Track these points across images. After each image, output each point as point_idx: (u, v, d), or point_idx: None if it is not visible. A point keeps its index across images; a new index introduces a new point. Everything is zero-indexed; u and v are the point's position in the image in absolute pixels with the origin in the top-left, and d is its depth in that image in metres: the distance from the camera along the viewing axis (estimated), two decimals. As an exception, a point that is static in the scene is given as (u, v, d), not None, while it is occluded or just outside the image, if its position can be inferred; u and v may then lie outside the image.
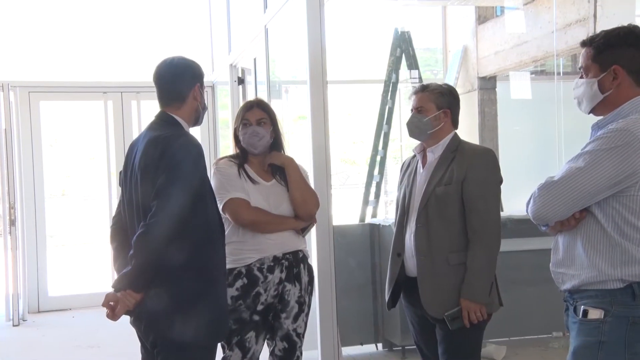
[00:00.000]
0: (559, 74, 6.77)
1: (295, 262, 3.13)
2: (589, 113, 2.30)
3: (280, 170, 3.19)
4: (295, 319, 3.13)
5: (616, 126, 2.13)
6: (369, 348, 5.25)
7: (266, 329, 3.13)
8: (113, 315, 2.47)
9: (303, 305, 3.15)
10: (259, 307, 3.07)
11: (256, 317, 3.07)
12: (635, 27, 2.22)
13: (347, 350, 5.02)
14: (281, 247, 3.10)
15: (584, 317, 2.16)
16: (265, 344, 3.20)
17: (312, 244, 3.90)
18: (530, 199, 2.24)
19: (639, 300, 2.11)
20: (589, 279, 2.16)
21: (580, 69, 2.30)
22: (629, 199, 2.11)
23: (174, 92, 2.63)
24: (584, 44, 2.28)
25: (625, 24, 2.27)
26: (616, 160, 2.08)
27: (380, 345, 5.27)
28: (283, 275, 3.09)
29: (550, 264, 2.33)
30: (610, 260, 2.13)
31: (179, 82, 2.64)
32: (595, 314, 2.14)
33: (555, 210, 2.17)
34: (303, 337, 3.18)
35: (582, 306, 2.17)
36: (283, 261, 3.09)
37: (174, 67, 2.66)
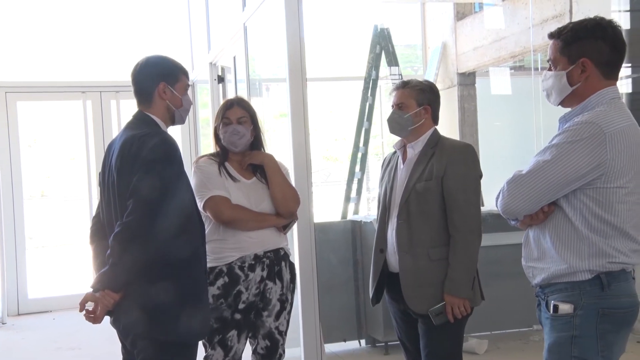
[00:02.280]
0: (536, 69, 6.82)
1: (277, 260, 3.13)
2: (558, 105, 2.31)
3: (261, 168, 3.19)
4: (277, 317, 3.13)
5: (582, 119, 2.15)
6: (352, 344, 5.27)
7: (248, 328, 3.13)
8: (95, 317, 2.45)
9: (285, 303, 3.15)
10: (241, 306, 3.06)
11: (238, 316, 3.06)
12: (602, 19, 2.23)
13: (330, 347, 5.04)
14: (262, 245, 3.09)
15: (555, 313, 2.19)
16: (248, 342, 3.19)
17: (293, 241, 3.90)
18: (499, 193, 2.26)
19: (607, 290, 2.14)
20: (558, 271, 2.19)
21: (548, 61, 2.30)
22: (595, 191, 2.13)
23: (142, 91, 2.66)
24: (552, 36, 2.28)
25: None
26: (582, 153, 2.10)
27: (363, 341, 5.29)
28: (264, 274, 3.09)
29: (522, 259, 2.36)
30: (578, 253, 2.16)
31: (144, 81, 2.66)
32: (565, 308, 2.17)
33: (523, 204, 2.19)
34: (285, 334, 3.18)
35: (553, 301, 2.20)
36: (264, 259, 3.09)
37: (142, 67, 2.69)
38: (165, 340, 2.47)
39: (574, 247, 2.17)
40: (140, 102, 2.68)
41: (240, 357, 3.14)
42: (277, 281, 3.12)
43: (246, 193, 3.11)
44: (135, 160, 2.44)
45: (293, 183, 3.46)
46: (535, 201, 2.18)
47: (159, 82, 2.64)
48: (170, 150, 2.50)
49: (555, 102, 2.30)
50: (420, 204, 2.93)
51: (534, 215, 2.22)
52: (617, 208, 2.13)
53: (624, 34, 2.25)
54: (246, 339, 3.15)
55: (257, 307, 3.11)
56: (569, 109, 2.28)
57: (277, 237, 3.16)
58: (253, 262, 3.07)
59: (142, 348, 2.51)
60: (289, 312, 3.20)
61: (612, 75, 2.24)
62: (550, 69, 2.29)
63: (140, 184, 2.39)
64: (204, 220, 2.79)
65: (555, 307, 2.19)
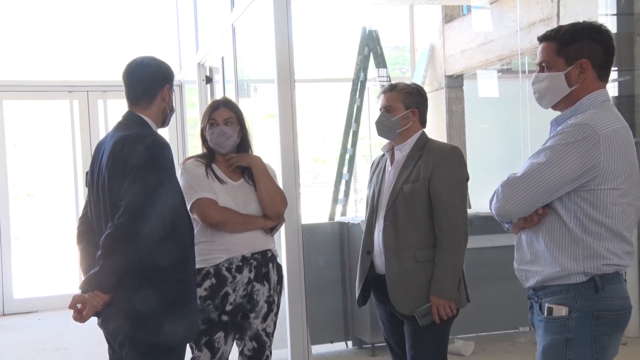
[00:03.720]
0: (524, 72, 6.85)
1: (264, 262, 3.12)
2: (550, 108, 2.32)
3: (249, 169, 3.18)
4: (265, 318, 3.12)
5: (575, 121, 2.16)
6: (339, 346, 5.27)
7: (235, 329, 3.12)
8: (81, 317, 2.44)
9: (272, 305, 3.15)
10: (228, 308, 3.05)
11: (225, 318, 3.06)
12: (595, 22, 2.26)
13: (317, 349, 5.04)
14: (250, 246, 3.08)
15: (549, 315, 2.19)
16: (235, 343, 3.19)
17: (281, 242, 3.90)
18: (493, 196, 2.26)
19: (602, 293, 2.15)
20: (552, 274, 2.19)
21: (540, 63, 2.30)
22: (589, 193, 2.14)
23: (143, 92, 2.63)
24: (545, 38, 2.29)
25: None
26: (576, 155, 2.11)
27: (350, 343, 5.29)
28: (252, 275, 3.08)
29: (514, 262, 2.36)
30: (573, 255, 2.17)
31: (148, 82, 2.63)
32: (560, 311, 2.17)
33: (518, 207, 2.20)
34: (272, 336, 3.18)
35: (547, 304, 2.20)
36: (252, 261, 3.09)
37: (144, 67, 2.66)
38: (155, 342, 2.46)
39: (568, 250, 2.17)
40: (137, 102, 2.63)
41: (227, 358, 3.14)
42: (265, 283, 3.12)
43: (233, 195, 3.11)
44: (127, 162, 2.42)
45: (281, 185, 3.45)
46: (530, 204, 2.18)
47: (165, 84, 2.64)
48: (163, 153, 2.48)
49: (549, 104, 2.30)
50: (407, 206, 2.94)
51: (528, 217, 2.23)
52: (611, 210, 2.15)
53: (610, 37, 2.28)
54: (233, 341, 3.15)
55: (245, 308, 3.11)
56: (558, 112, 2.29)
57: (265, 239, 3.15)
58: (240, 264, 3.06)
59: (129, 350, 2.50)
60: (276, 314, 3.19)
61: (605, 77, 2.27)
62: (541, 71, 2.29)
63: (132, 186, 2.38)
64: (192, 222, 2.78)
65: (550, 310, 2.19)
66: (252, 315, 3.10)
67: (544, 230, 2.23)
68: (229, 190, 3.11)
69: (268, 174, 3.18)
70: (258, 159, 3.20)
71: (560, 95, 2.25)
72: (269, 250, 3.16)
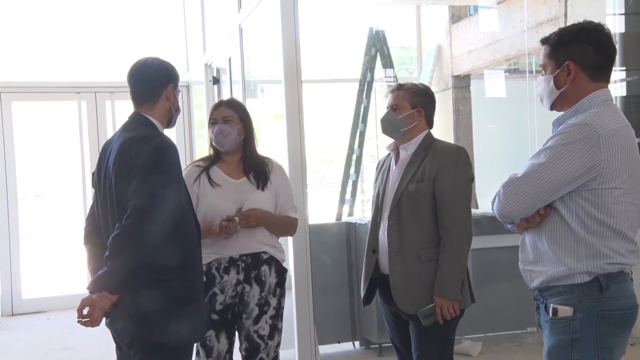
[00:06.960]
0: (531, 72, 6.84)
1: (254, 264, 3.10)
2: (550, 109, 2.34)
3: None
4: (256, 320, 3.10)
5: (575, 121, 2.17)
6: (346, 346, 5.27)
7: (226, 327, 3.12)
8: (92, 320, 2.44)
9: (264, 307, 3.11)
10: (218, 307, 3.07)
11: (215, 317, 3.07)
12: (589, 23, 2.27)
13: (324, 349, 5.04)
14: (237, 248, 3.08)
15: (554, 316, 2.19)
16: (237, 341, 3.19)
17: (288, 243, 3.90)
18: (495, 196, 2.27)
19: (606, 293, 2.15)
20: (556, 274, 2.20)
21: (540, 66, 2.35)
22: (590, 192, 2.15)
23: (147, 92, 2.63)
24: (543, 42, 2.33)
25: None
26: (576, 154, 2.11)
27: (357, 343, 5.29)
28: (240, 277, 3.08)
29: (519, 263, 2.37)
30: (576, 255, 2.17)
31: (151, 82, 2.64)
32: (565, 311, 2.17)
33: (520, 207, 2.20)
34: (269, 339, 3.12)
35: (552, 304, 2.20)
36: (239, 262, 3.08)
37: (147, 67, 2.66)
38: (160, 342, 2.47)
39: (571, 249, 2.18)
40: (141, 102, 2.64)
41: (225, 356, 3.13)
42: (255, 285, 3.10)
43: (225, 195, 3.09)
44: (134, 163, 2.43)
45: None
46: (532, 204, 2.19)
47: (168, 83, 2.65)
48: (169, 154, 2.49)
49: (547, 105, 2.34)
50: (411, 206, 2.94)
51: (530, 218, 2.23)
52: (612, 209, 2.15)
53: (618, 37, 2.27)
54: (227, 339, 3.14)
55: (237, 308, 3.12)
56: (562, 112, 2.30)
57: (255, 242, 3.12)
58: (227, 265, 3.07)
59: (137, 350, 2.51)
60: (274, 317, 3.13)
61: (600, 77, 2.26)
62: (543, 74, 2.33)
63: (139, 187, 2.39)
64: (199, 223, 2.78)
65: (555, 310, 2.19)
66: (244, 316, 3.11)
67: (546, 230, 2.23)
68: (222, 192, 3.10)
69: (273, 218, 3.17)
70: (261, 213, 3.11)
71: (552, 97, 2.29)
72: (264, 252, 3.13)
